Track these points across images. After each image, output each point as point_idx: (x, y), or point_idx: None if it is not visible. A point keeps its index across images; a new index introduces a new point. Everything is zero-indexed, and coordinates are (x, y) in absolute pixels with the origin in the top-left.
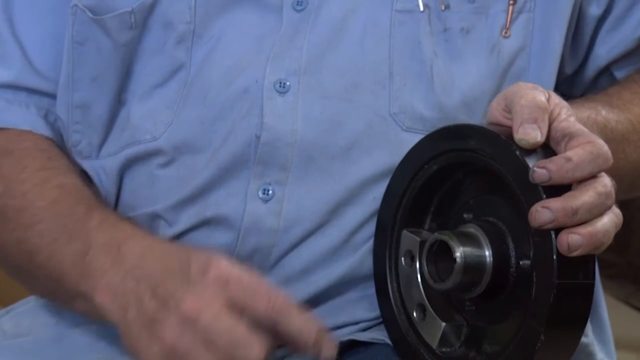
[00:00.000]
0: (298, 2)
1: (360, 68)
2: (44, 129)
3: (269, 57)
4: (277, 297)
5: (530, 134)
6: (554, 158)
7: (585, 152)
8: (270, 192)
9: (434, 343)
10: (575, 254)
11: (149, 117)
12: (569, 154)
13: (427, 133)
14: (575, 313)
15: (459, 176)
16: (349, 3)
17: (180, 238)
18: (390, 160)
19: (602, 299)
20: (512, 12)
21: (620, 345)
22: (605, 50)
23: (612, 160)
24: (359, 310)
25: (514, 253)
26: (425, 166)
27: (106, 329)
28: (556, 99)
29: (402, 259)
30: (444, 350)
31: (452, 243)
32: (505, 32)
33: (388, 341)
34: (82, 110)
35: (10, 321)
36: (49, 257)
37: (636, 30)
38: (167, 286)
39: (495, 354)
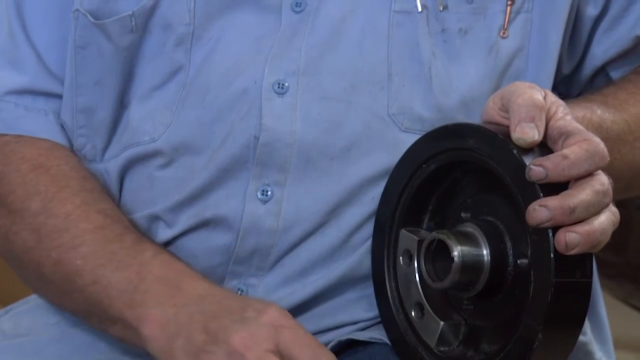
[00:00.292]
0: (297, 3)
1: (359, 69)
2: (61, 138)
3: (267, 58)
4: (325, 355)
5: (527, 132)
6: (551, 156)
7: (582, 150)
8: (269, 192)
9: (432, 342)
10: (572, 252)
11: (148, 119)
12: (565, 151)
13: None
14: (573, 312)
15: (456, 175)
16: (347, 4)
17: (179, 239)
18: (389, 161)
19: (600, 299)
20: (510, 13)
21: (618, 344)
22: (601, 50)
23: (608, 158)
24: (357, 310)
25: (511, 252)
26: (423, 165)
27: None
28: (552, 97)
29: (400, 258)
30: (442, 349)
31: (450, 242)
32: (503, 33)
33: (387, 340)
34: (86, 115)
35: (10, 321)
36: (92, 282)
37: (632, 30)
38: (220, 321)
39: (494, 353)
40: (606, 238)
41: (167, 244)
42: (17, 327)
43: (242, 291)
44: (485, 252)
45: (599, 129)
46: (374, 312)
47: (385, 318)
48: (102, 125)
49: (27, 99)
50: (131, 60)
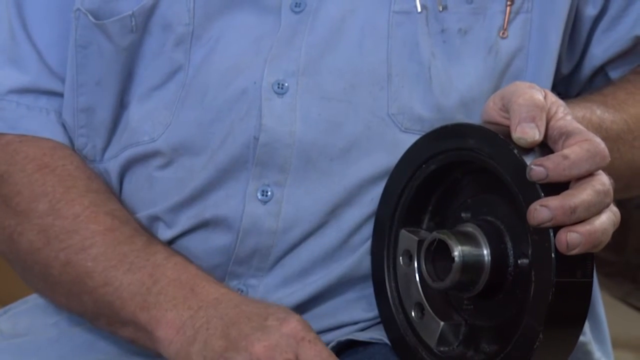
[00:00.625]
0: (296, 3)
1: (359, 69)
2: (63, 137)
3: (267, 59)
4: None
5: (528, 132)
6: (551, 156)
7: (583, 150)
8: (269, 193)
9: (433, 342)
10: (573, 252)
11: (148, 119)
12: (566, 151)
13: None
14: (573, 312)
15: (456, 175)
16: (347, 4)
17: (179, 240)
18: (389, 161)
19: (599, 298)
20: (510, 13)
21: (617, 344)
22: (601, 50)
23: (609, 158)
24: (357, 311)
25: (512, 252)
26: (423, 165)
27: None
28: (553, 97)
29: (400, 258)
30: (442, 349)
31: (451, 242)
32: (503, 33)
33: (386, 341)
34: (87, 114)
35: (8, 321)
36: (103, 284)
37: (631, 30)
38: (240, 328)
39: (494, 353)
40: (607, 238)
41: (167, 245)
42: (15, 327)
43: (241, 291)
44: (485, 252)
45: (598, 129)
46: (373, 312)
47: (385, 318)
48: (102, 125)
49: (28, 98)
50: (131, 61)
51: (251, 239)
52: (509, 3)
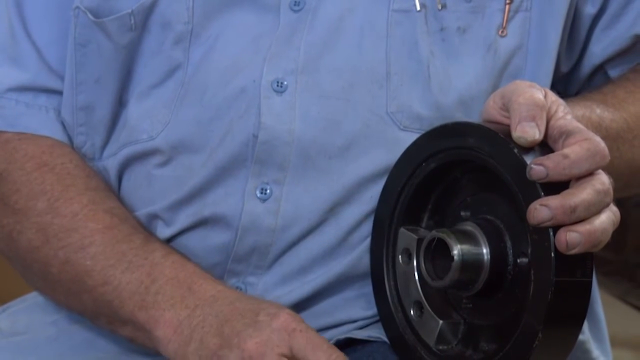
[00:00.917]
0: (295, 2)
1: (358, 68)
2: (62, 135)
3: (266, 57)
4: (339, 357)
5: (528, 131)
6: (551, 155)
7: (583, 149)
8: (268, 191)
9: (431, 341)
10: (573, 252)
11: (147, 117)
12: (566, 151)
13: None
14: (573, 311)
15: (456, 174)
16: (346, 3)
17: (177, 238)
18: (388, 160)
19: (598, 297)
20: (509, 12)
21: (615, 342)
22: (600, 48)
23: (609, 158)
24: (356, 309)
25: (511, 251)
26: (423, 164)
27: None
28: (553, 96)
29: (399, 256)
30: (441, 348)
31: (450, 241)
32: (502, 32)
33: (385, 339)
34: (86, 112)
35: (7, 319)
36: (101, 283)
37: (631, 28)
38: (233, 325)
39: (493, 352)
40: (607, 237)
41: (165, 242)
42: (14, 326)
43: (240, 289)
44: (485, 250)
45: (598, 128)
46: (372, 310)
47: (384, 316)
48: (101, 124)
49: (28, 96)
50: (130, 59)
51: (250, 237)
52: (508, 1)
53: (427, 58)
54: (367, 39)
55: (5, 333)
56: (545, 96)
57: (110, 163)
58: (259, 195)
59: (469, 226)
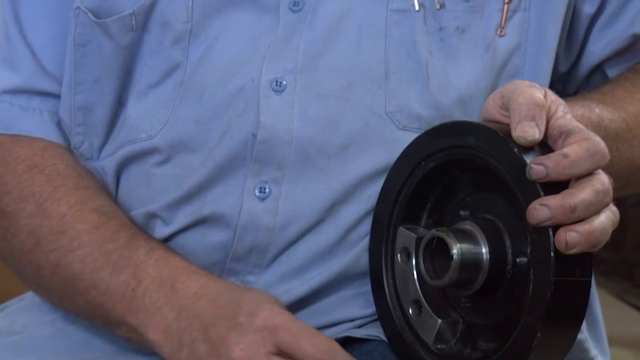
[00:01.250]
0: (294, 2)
1: (356, 67)
2: (57, 137)
3: (265, 57)
4: (323, 342)
5: (528, 131)
6: (551, 155)
7: (582, 149)
8: (267, 190)
9: (430, 340)
10: (572, 251)
11: (146, 116)
12: (565, 150)
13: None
14: (572, 310)
15: (456, 173)
16: (344, 3)
17: (176, 237)
18: (386, 159)
19: (596, 296)
20: (507, 11)
21: (613, 341)
22: (598, 47)
23: (609, 157)
24: (354, 308)
25: (510, 250)
26: (423, 163)
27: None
28: (553, 96)
29: (398, 255)
30: (439, 346)
31: (449, 240)
32: (501, 31)
33: (383, 337)
34: (84, 112)
35: (5, 319)
36: (92, 286)
37: (629, 28)
38: (217, 329)
39: (491, 351)
40: (606, 237)
41: (164, 242)
42: (12, 325)
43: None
44: (484, 250)
45: (597, 128)
46: (370, 309)
47: (383, 315)
48: (100, 123)
49: (22, 99)
50: (130, 59)
51: (249, 236)
52: (506, 1)
53: (426, 58)
54: (366, 39)
55: (3, 332)
56: (545, 96)
57: (108, 163)
58: (257, 194)
59: (468, 225)
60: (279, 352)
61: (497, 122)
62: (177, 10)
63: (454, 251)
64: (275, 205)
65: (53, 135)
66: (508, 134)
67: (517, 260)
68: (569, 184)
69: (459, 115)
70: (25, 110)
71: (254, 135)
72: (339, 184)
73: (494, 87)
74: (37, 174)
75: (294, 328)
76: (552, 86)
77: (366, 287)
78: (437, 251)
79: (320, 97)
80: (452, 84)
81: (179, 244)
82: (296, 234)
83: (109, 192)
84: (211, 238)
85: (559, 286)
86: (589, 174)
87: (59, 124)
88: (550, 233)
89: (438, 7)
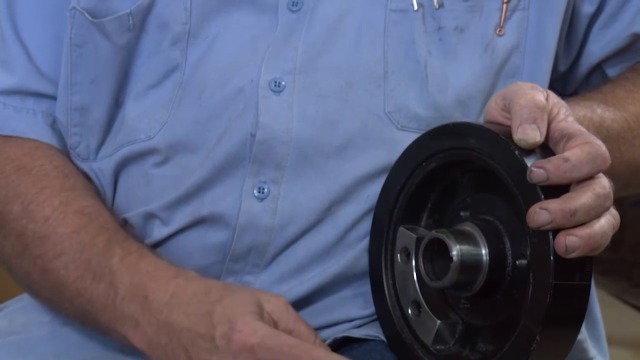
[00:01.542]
0: (293, 2)
1: (355, 67)
2: (50, 138)
3: (264, 57)
4: (302, 350)
5: (529, 134)
6: (552, 158)
7: (583, 153)
8: (266, 190)
9: (429, 340)
10: (572, 255)
11: (144, 117)
12: (566, 154)
13: (422, 132)
14: (571, 314)
15: (456, 174)
16: (343, 3)
17: (175, 237)
18: (385, 159)
19: (594, 296)
20: (506, 11)
21: (612, 341)
22: (598, 47)
23: (610, 161)
24: (353, 308)
25: (510, 252)
26: (424, 163)
27: None
28: (555, 98)
29: (398, 255)
30: (438, 347)
31: (449, 241)
32: (500, 31)
33: (382, 338)
34: (81, 113)
35: (4, 319)
36: (77, 294)
37: (629, 27)
38: (197, 350)
39: (490, 353)
40: (606, 241)
41: (162, 242)
42: (11, 325)
43: None
44: (484, 251)
45: (599, 128)
46: (369, 309)
47: (382, 315)
48: (97, 124)
49: (15, 99)
50: (127, 59)
51: (247, 236)
52: (505, 1)
53: (425, 57)
54: (365, 39)
55: (1, 333)
56: (547, 98)
57: (106, 163)
58: (256, 194)
59: (468, 227)
60: None
61: (499, 123)
62: (176, 11)
63: (454, 253)
64: (274, 206)
65: (45, 136)
66: (509, 136)
67: (517, 262)
68: (569, 188)
69: (458, 115)
70: (18, 111)
71: (253, 136)
72: (338, 184)
73: (493, 87)
74: (24, 174)
75: (270, 343)
76: (552, 86)
77: (365, 287)
78: (437, 252)
79: (319, 97)
80: (451, 84)
81: (177, 244)
82: (295, 234)
83: (96, 191)
84: (210, 238)
85: (558, 290)
86: (590, 177)
87: (52, 125)
88: (550, 237)
89: (437, 7)
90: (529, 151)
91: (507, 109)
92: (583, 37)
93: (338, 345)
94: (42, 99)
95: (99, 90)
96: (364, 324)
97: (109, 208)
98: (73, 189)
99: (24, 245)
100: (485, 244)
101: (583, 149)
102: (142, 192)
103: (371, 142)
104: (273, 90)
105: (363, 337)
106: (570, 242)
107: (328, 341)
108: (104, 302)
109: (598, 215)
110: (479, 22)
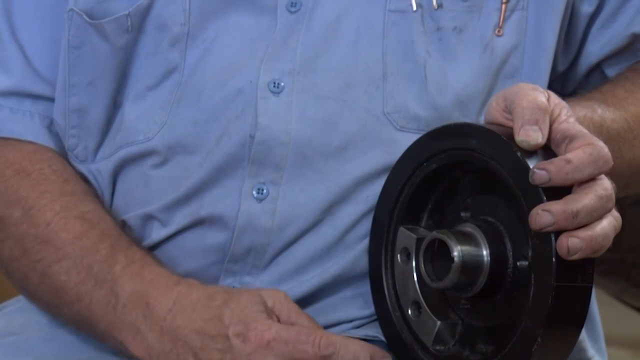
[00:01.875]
0: (292, 3)
1: (354, 68)
2: (47, 140)
3: (263, 59)
4: (320, 338)
5: (531, 135)
6: (554, 160)
7: (585, 154)
8: (265, 191)
9: (429, 341)
10: (574, 257)
11: (143, 118)
12: (568, 155)
13: (422, 132)
14: (572, 315)
15: (457, 175)
16: (342, 4)
17: (174, 238)
18: (384, 160)
19: (593, 296)
20: (505, 11)
21: (611, 341)
22: (597, 47)
23: (612, 163)
24: (353, 308)
25: (511, 253)
26: (424, 164)
27: None
28: (556, 99)
29: (398, 256)
30: (438, 348)
31: (450, 242)
32: (499, 31)
33: (382, 338)
34: (79, 115)
35: (2, 319)
36: (76, 299)
37: (628, 27)
38: (208, 352)
39: (490, 354)
40: (608, 243)
41: (161, 243)
42: (9, 325)
43: None
44: (485, 252)
45: (600, 129)
46: (369, 310)
47: (382, 316)
48: (95, 126)
49: (12, 101)
50: (126, 60)
51: (247, 237)
52: (504, 1)
53: (424, 58)
54: (364, 40)
55: (1, 333)
56: (549, 99)
57: (105, 165)
58: (255, 195)
59: (469, 227)
60: None
61: (500, 124)
62: (174, 13)
63: (455, 253)
64: (273, 207)
65: (43, 139)
66: (511, 137)
67: (518, 263)
68: (571, 189)
69: (457, 116)
70: (15, 112)
71: (252, 137)
72: (337, 185)
73: (492, 87)
74: (23, 178)
75: (285, 336)
76: (551, 86)
77: (365, 287)
78: (438, 253)
79: (318, 98)
80: (450, 84)
81: (176, 245)
82: (294, 234)
83: (95, 195)
84: (209, 239)
85: (560, 291)
86: (592, 179)
87: (49, 127)
88: (552, 238)
89: (436, 7)
90: (531, 153)
91: (508, 110)
92: (582, 37)
93: None
94: (39, 100)
95: (97, 91)
96: (363, 325)
97: (109, 212)
98: (73, 193)
99: (23, 250)
100: (487, 245)
101: (585, 150)
102: (141, 194)
103: (370, 142)
104: (272, 92)
105: (363, 337)
106: (573, 243)
107: None
108: (104, 309)
109: (600, 217)
110: (477, 22)
